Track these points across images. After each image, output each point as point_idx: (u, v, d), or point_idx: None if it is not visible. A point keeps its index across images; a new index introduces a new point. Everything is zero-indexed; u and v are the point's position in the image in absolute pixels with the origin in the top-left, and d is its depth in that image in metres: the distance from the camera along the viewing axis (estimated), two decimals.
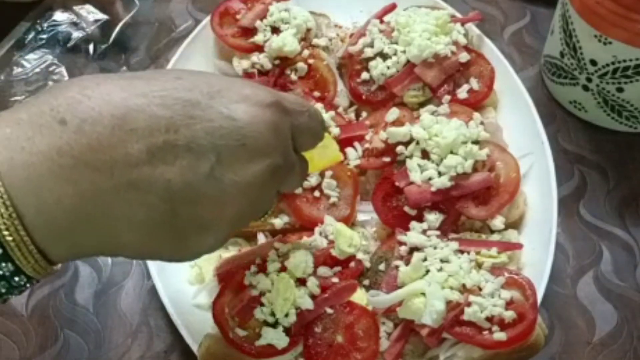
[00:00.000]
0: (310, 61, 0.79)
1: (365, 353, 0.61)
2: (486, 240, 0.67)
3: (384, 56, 0.77)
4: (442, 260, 0.63)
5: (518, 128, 0.76)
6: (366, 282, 0.66)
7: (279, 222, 0.68)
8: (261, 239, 0.68)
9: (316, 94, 0.77)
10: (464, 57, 0.77)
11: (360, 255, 0.66)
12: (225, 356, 0.60)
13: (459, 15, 0.82)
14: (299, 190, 0.70)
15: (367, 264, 0.66)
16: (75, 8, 0.90)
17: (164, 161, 0.41)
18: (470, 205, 0.68)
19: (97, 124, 0.40)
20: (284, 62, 0.78)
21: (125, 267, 0.71)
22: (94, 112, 0.40)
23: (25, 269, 0.41)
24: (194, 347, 0.61)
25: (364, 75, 0.78)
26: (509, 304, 0.60)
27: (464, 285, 0.61)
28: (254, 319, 0.60)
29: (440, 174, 0.68)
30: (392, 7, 0.83)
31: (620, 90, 0.77)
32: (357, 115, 0.79)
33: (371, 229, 0.71)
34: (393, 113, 0.74)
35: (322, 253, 0.64)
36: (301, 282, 0.62)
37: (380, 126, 0.74)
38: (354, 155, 0.73)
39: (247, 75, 0.78)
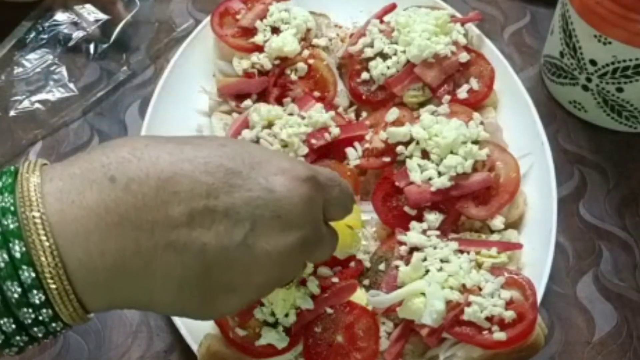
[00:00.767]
0: (310, 61, 0.79)
1: (365, 353, 0.61)
2: (486, 240, 0.67)
3: (384, 56, 0.77)
4: (442, 260, 0.63)
5: (518, 128, 0.76)
6: (366, 282, 0.66)
7: None
8: None
9: (316, 94, 0.77)
10: (464, 57, 0.77)
11: (360, 255, 0.66)
12: (225, 356, 0.60)
13: (459, 15, 0.82)
14: None
15: (367, 264, 0.66)
16: (76, 8, 0.90)
17: (201, 225, 0.43)
18: (470, 205, 0.68)
19: (144, 185, 0.42)
20: (284, 62, 0.78)
21: None
22: (142, 173, 0.43)
23: (63, 316, 0.42)
24: (194, 347, 0.61)
25: (364, 75, 0.78)
26: (508, 304, 0.60)
27: (464, 285, 0.61)
28: (254, 319, 0.60)
29: (440, 174, 0.68)
30: (392, 7, 0.83)
31: (620, 90, 0.78)
32: (357, 115, 0.79)
33: (371, 229, 0.71)
34: (393, 113, 0.74)
35: None
36: (301, 282, 0.62)
37: (380, 126, 0.74)
38: (354, 155, 0.73)
39: (247, 75, 0.78)
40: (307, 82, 0.78)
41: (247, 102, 0.77)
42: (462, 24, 0.80)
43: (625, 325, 0.69)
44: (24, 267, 0.40)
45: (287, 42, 0.77)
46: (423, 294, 0.60)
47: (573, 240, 0.74)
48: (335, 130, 0.73)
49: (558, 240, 0.70)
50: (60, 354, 0.66)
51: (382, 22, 0.81)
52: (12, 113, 0.82)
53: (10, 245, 0.40)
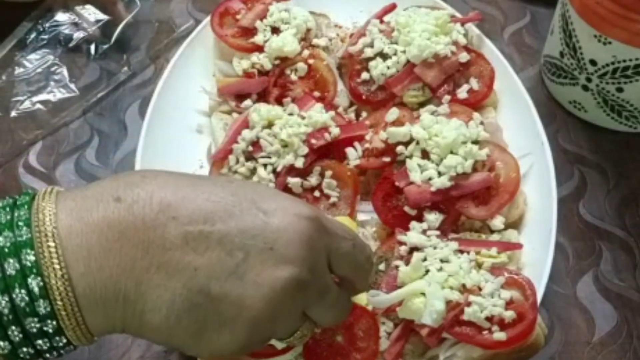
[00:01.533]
0: (310, 61, 0.79)
1: (365, 353, 0.61)
2: (486, 240, 0.67)
3: (384, 56, 0.77)
4: (442, 260, 0.63)
5: (518, 128, 0.76)
6: None
7: None
8: None
9: (316, 94, 0.77)
10: (463, 57, 0.77)
11: None
12: (225, 356, 0.60)
13: (459, 15, 0.82)
14: (298, 190, 0.70)
15: None
16: (77, 8, 0.90)
17: (195, 250, 0.44)
18: (470, 205, 0.68)
19: (146, 206, 0.44)
20: (284, 62, 0.78)
21: None
22: (147, 196, 0.45)
23: (66, 330, 0.44)
24: None
25: (364, 75, 0.78)
26: (508, 304, 0.60)
27: (463, 285, 0.61)
28: None
29: (440, 174, 0.68)
30: (392, 7, 0.83)
31: (620, 90, 0.78)
32: (357, 115, 0.79)
33: (371, 229, 0.71)
34: (393, 113, 0.74)
35: None
36: None
37: (380, 126, 0.74)
38: (354, 155, 0.73)
39: (247, 75, 0.78)
40: (307, 82, 0.78)
41: (247, 102, 0.77)
42: (462, 24, 0.80)
43: (625, 325, 0.69)
44: (33, 275, 0.42)
45: (287, 42, 0.77)
46: (423, 294, 0.60)
47: (573, 240, 0.74)
48: (335, 130, 0.73)
49: (558, 240, 0.70)
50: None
51: (382, 22, 0.81)
52: (13, 113, 0.83)
53: (22, 255, 0.42)
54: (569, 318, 0.69)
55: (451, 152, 0.69)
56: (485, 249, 0.64)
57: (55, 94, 0.84)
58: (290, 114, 0.73)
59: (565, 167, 0.79)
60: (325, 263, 0.49)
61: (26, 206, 0.45)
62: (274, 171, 0.70)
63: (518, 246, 0.67)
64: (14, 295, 0.42)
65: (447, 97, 0.76)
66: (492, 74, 0.78)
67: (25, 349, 0.44)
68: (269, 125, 0.72)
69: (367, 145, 0.74)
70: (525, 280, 0.61)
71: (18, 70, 0.86)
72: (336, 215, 0.69)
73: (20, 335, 0.43)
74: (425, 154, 0.70)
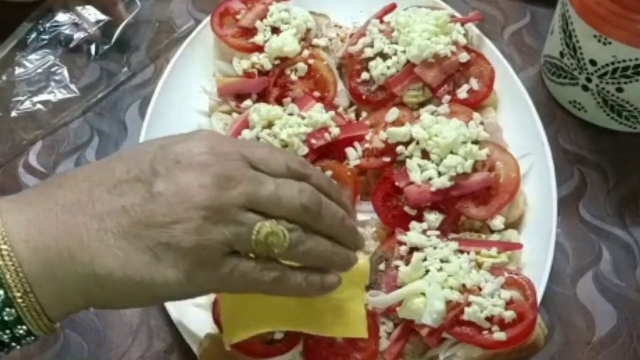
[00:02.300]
0: (310, 61, 0.79)
1: (365, 353, 0.61)
2: (486, 240, 0.67)
3: (384, 56, 0.77)
4: (442, 260, 0.63)
5: (518, 128, 0.76)
6: None
7: None
8: None
9: (316, 94, 0.77)
10: (463, 57, 0.77)
11: (360, 255, 0.66)
12: (225, 356, 0.60)
13: (459, 15, 0.82)
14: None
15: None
16: (77, 9, 0.90)
17: (120, 195, 0.48)
18: (470, 205, 0.68)
19: (74, 185, 0.49)
20: (284, 62, 0.78)
21: None
22: (75, 177, 0.50)
23: (25, 317, 0.45)
24: (194, 347, 0.61)
25: (364, 75, 0.78)
26: (508, 304, 0.60)
27: (463, 285, 0.61)
28: None
29: (440, 174, 0.68)
30: (392, 7, 0.83)
31: (619, 90, 0.78)
32: (357, 115, 0.79)
33: (371, 229, 0.71)
34: (393, 113, 0.74)
35: None
36: None
37: (380, 126, 0.74)
38: (354, 155, 0.73)
39: (247, 75, 0.78)
40: (307, 82, 0.78)
41: (247, 102, 0.77)
42: (462, 24, 0.80)
43: (625, 325, 0.69)
44: None
45: (287, 42, 0.77)
46: (423, 294, 0.60)
47: (573, 240, 0.74)
48: (335, 130, 0.73)
49: (558, 240, 0.70)
50: (60, 354, 0.66)
51: (382, 22, 0.81)
52: (13, 114, 0.83)
53: None
54: (569, 318, 0.69)
55: (451, 152, 0.69)
56: (485, 249, 0.64)
57: (55, 94, 0.84)
58: (290, 114, 0.73)
59: (565, 167, 0.79)
60: (242, 158, 0.49)
61: None
62: None
63: (518, 246, 0.67)
64: None
65: (447, 97, 0.76)
66: (492, 74, 0.78)
67: None
68: (269, 125, 0.72)
69: (367, 145, 0.74)
70: (525, 280, 0.61)
71: (18, 71, 0.86)
72: None
73: None
74: (425, 154, 0.70)
